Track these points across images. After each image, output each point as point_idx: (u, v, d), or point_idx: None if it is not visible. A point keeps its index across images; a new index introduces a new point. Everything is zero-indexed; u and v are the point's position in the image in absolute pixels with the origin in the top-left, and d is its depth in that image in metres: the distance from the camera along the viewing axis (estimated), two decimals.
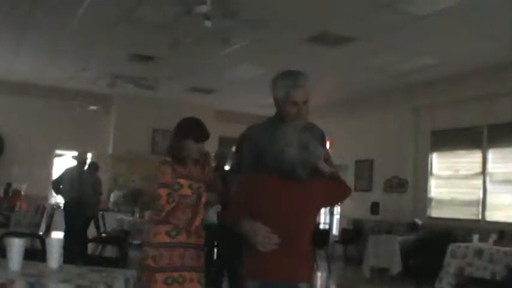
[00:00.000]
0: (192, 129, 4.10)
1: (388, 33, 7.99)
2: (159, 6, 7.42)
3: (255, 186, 3.14)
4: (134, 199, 12.55)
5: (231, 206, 3.25)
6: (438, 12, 6.98)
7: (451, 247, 7.78)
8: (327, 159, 3.31)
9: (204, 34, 7.25)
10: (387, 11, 7.12)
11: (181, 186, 3.96)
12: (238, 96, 13.41)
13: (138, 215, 10.47)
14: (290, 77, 3.35)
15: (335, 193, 3.34)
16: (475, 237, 7.85)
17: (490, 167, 9.70)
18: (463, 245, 7.77)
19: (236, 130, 15.72)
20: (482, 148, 9.84)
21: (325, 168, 3.24)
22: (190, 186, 3.99)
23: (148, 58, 10.29)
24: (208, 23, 5.95)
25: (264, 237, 3.02)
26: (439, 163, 10.88)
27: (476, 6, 6.79)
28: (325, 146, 3.49)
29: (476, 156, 9.99)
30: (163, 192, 3.86)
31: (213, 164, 7.24)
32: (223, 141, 15.42)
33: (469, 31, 7.74)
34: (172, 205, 3.87)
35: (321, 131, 3.51)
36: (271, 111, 3.44)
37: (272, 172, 3.08)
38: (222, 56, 9.51)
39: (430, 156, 10.91)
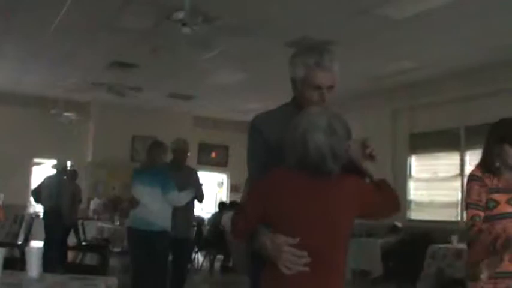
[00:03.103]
0: (509, 130, 3.34)
1: (367, 38, 8.05)
2: (138, 14, 7.41)
3: (272, 186, 2.44)
4: (114, 207, 12.48)
5: (242, 215, 2.52)
6: (416, 16, 7.06)
7: (431, 249, 7.82)
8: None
9: (183, 40, 7.25)
10: (365, 16, 7.18)
11: (497, 203, 3.27)
12: (217, 102, 13.40)
13: (118, 223, 10.40)
14: (313, 54, 2.67)
15: (376, 200, 2.57)
16: (454, 238, 7.91)
17: (468, 168, 9.78)
18: (442, 246, 7.81)
19: (215, 136, 15.62)
20: (460, 150, 9.95)
21: (365, 166, 2.61)
22: (510, 202, 3.28)
23: (128, 65, 10.26)
24: (186, 30, 5.94)
25: (290, 254, 2.33)
26: (418, 166, 10.97)
27: (453, 11, 6.87)
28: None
29: (454, 158, 10.10)
30: (469, 213, 3.26)
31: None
32: (203, 148, 15.44)
33: (446, 35, 7.84)
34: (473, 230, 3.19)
35: (345, 121, 2.65)
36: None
37: (293, 166, 2.41)
38: (201, 62, 9.51)
39: (408, 159, 10.99)
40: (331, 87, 2.67)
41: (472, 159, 9.71)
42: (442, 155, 10.45)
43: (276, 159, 2.50)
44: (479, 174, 3.32)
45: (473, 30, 7.60)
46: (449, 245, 7.83)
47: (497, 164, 3.31)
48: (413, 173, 11.01)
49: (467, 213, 3.28)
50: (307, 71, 2.64)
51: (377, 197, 2.56)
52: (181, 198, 6.02)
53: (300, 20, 7.63)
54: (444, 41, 8.09)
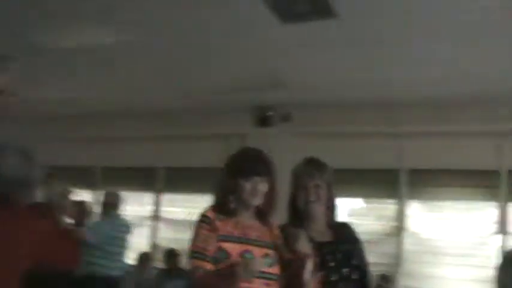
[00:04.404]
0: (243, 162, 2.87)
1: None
2: None
3: None
4: None
5: None
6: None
7: None
8: None
9: None
10: None
11: (229, 255, 2.68)
12: None
13: None
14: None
15: (59, 244, 2.42)
16: None
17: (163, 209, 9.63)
18: None
19: None
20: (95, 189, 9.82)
21: None
22: (243, 255, 2.69)
23: None
24: None
25: None
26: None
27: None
28: None
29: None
30: (193, 263, 2.69)
31: None
32: None
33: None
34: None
35: None
36: None
37: None
38: None
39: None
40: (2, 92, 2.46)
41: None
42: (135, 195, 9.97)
43: None
44: (210, 215, 2.79)
45: (119, 73, 7.64)
46: None
47: (233, 205, 2.83)
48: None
49: (191, 263, 2.73)
50: None
51: (62, 242, 2.44)
52: None
53: None
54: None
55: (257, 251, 2.73)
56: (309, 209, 3.22)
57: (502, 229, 7.24)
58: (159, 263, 8.80)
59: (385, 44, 5.75)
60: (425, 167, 7.57)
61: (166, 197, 9.59)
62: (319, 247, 2.98)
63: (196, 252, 2.70)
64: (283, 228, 2.99)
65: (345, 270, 3.12)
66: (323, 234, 3.20)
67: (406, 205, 7.76)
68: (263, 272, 2.64)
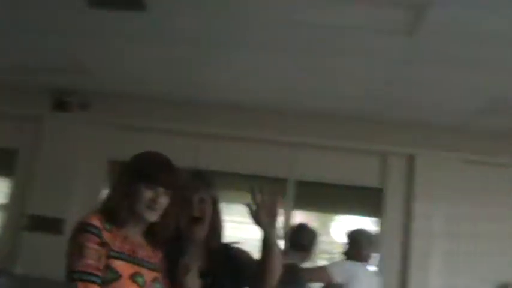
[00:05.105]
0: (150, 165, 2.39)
1: None
2: None
3: None
4: None
5: None
6: None
7: None
8: None
9: None
10: None
11: (119, 276, 2.18)
12: None
13: None
14: None
15: None
16: None
17: None
18: None
19: None
20: None
21: None
22: (135, 278, 2.23)
23: None
24: None
25: None
26: None
27: None
28: None
29: None
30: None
31: None
32: None
33: None
34: None
35: None
36: None
37: None
38: None
39: None
40: None
41: None
42: None
43: None
44: (98, 225, 2.23)
45: None
46: None
47: (125, 214, 2.33)
48: None
49: (77, 286, 2.14)
50: None
51: None
52: None
53: None
54: None
55: (148, 274, 2.32)
56: (191, 228, 2.71)
57: None
58: None
59: (187, 44, 5.80)
60: (223, 170, 7.67)
61: None
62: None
63: (84, 272, 2.14)
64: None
65: None
66: (203, 261, 2.72)
67: None
68: None
